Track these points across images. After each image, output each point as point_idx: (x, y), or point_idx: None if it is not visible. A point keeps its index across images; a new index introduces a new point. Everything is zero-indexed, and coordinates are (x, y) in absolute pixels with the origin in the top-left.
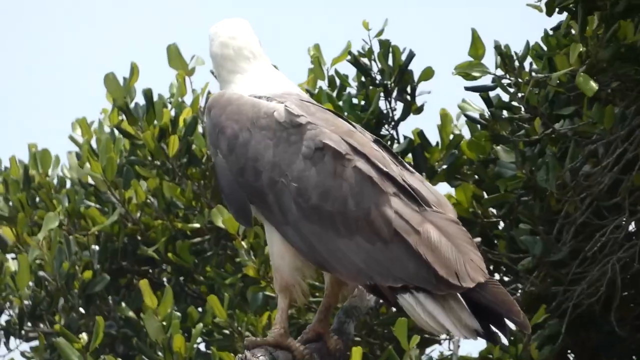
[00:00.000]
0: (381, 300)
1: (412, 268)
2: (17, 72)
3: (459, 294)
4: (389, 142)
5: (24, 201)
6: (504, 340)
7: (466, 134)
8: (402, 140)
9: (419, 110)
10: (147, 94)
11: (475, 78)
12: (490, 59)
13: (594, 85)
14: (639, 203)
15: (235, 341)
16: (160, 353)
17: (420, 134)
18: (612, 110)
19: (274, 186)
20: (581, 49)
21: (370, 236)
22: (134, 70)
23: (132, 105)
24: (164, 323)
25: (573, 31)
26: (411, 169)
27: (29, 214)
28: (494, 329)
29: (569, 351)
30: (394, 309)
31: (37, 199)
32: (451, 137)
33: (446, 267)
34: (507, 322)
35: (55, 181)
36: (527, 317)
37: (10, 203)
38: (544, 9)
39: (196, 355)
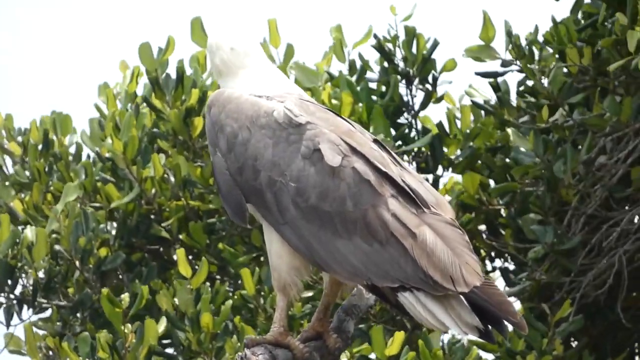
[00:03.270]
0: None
1: (409, 270)
2: (47, 35)
3: None
4: (407, 130)
5: (42, 169)
6: (503, 338)
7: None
8: (420, 129)
9: (439, 99)
10: (179, 70)
11: (484, 61)
12: (500, 44)
13: None
14: None
15: (257, 316)
16: (187, 324)
17: (439, 125)
18: (630, 103)
19: (273, 185)
20: (638, 36)
21: (368, 237)
22: (169, 43)
23: (162, 76)
24: (200, 293)
25: (582, 21)
26: (410, 169)
27: (45, 182)
28: (491, 328)
29: (571, 339)
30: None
31: (54, 167)
32: (468, 130)
33: (441, 271)
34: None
35: (72, 149)
36: (539, 306)
37: (27, 172)
38: None
39: (223, 332)
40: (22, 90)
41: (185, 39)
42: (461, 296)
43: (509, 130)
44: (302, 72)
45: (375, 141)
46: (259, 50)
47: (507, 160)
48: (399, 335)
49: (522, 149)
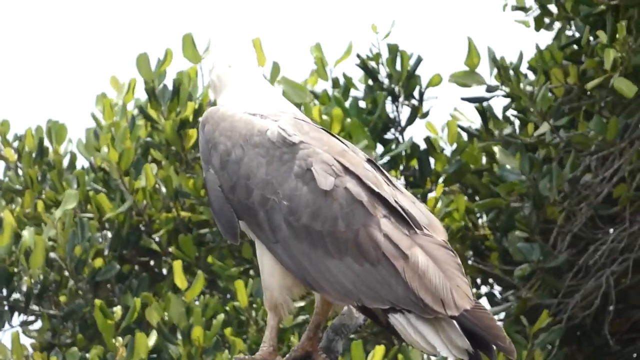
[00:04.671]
0: (368, 320)
1: (400, 291)
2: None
3: None
4: (394, 146)
5: (34, 177)
6: None
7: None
8: (406, 142)
9: (425, 115)
10: (176, 82)
11: (469, 86)
12: (485, 69)
13: (633, 87)
14: (638, 213)
15: (249, 328)
16: (179, 337)
17: (426, 140)
18: (616, 123)
19: (265, 204)
20: (615, 55)
21: (359, 258)
22: (167, 55)
23: (160, 87)
24: (190, 307)
25: (575, 45)
26: (403, 189)
27: (38, 190)
28: (480, 352)
29: None
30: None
31: (47, 176)
32: (454, 146)
33: (432, 293)
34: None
35: (66, 159)
36: (524, 320)
37: (21, 178)
38: (532, 23)
39: (214, 346)
40: (19, 98)
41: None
42: (452, 319)
43: (496, 148)
44: (290, 87)
45: (369, 161)
46: (255, 68)
47: (493, 182)
48: (379, 350)
49: (508, 167)
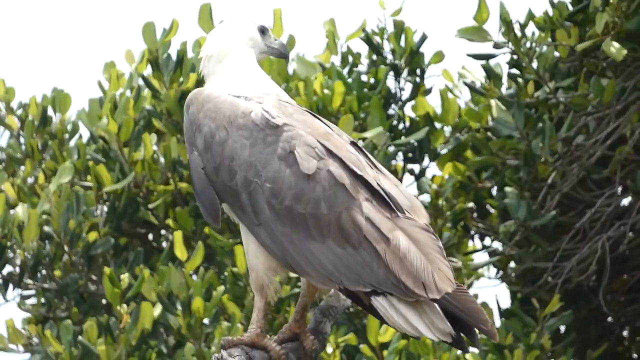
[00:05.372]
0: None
1: (382, 274)
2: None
3: None
4: (395, 122)
5: (35, 147)
6: (474, 348)
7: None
8: (407, 121)
9: (428, 92)
10: (181, 52)
11: (476, 41)
12: (493, 26)
13: (623, 50)
14: (629, 177)
15: (246, 295)
16: (179, 308)
17: (426, 116)
18: (613, 85)
19: (248, 186)
20: (607, 19)
21: (341, 241)
22: (173, 25)
23: (164, 56)
24: (193, 277)
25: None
26: (386, 172)
27: (38, 160)
28: (463, 335)
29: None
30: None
31: (48, 145)
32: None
33: (413, 276)
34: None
35: (68, 127)
36: (535, 302)
37: (23, 147)
38: None
39: (214, 318)
40: (27, 67)
41: (193, 25)
42: (434, 302)
43: (492, 102)
44: (302, 65)
45: (353, 143)
46: (243, 49)
47: (488, 138)
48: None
49: (502, 119)
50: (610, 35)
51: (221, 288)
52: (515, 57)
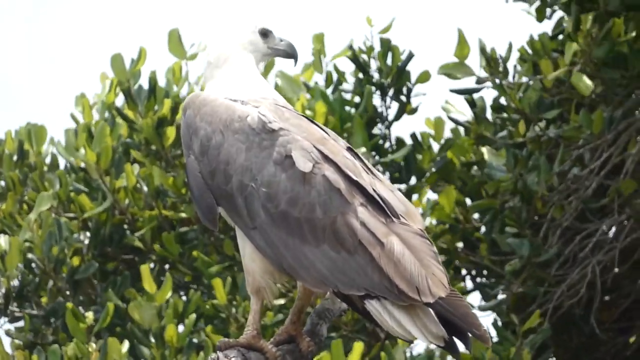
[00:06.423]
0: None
1: (376, 279)
2: (21, 48)
3: None
4: (381, 141)
5: (16, 180)
6: (465, 350)
7: (447, 134)
8: (393, 139)
9: (413, 111)
10: (152, 80)
11: (459, 78)
12: (475, 61)
13: (588, 83)
14: (626, 206)
15: (229, 325)
16: (152, 339)
17: (413, 136)
18: (601, 115)
19: (244, 190)
20: (575, 48)
21: (336, 245)
22: (141, 54)
23: (135, 87)
24: (163, 309)
25: (560, 36)
26: (382, 177)
27: (20, 193)
28: (456, 340)
29: (549, 357)
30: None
31: (29, 178)
32: (442, 141)
33: (407, 281)
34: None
35: (48, 159)
36: (514, 318)
37: (2, 182)
38: (535, 14)
39: (188, 346)
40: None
41: (160, 51)
42: (428, 307)
43: (484, 149)
44: (286, 82)
45: (349, 149)
46: (241, 54)
47: (482, 180)
48: (358, 347)
49: (495, 165)
50: (580, 64)
51: (193, 316)
52: (498, 93)
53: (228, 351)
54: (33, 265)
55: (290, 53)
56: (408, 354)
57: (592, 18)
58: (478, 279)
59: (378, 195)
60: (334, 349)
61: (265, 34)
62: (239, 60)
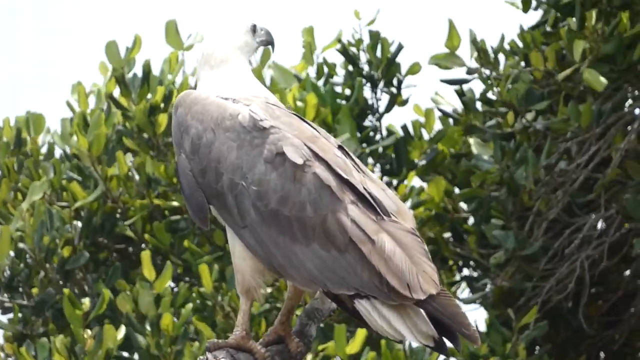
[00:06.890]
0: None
1: (365, 277)
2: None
3: None
4: (371, 133)
5: (11, 167)
6: (456, 349)
7: (437, 127)
8: (384, 132)
9: (404, 102)
10: (146, 67)
11: (450, 68)
12: (466, 51)
13: (602, 79)
14: (612, 200)
15: (215, 314)
16: (148, 327)
17: (403, 128)
18: (589, 108)
19: (234, 188)
20: (584, 46)
21: (326, 244)
22: (136, 41)
23: (129, 75)
24: (161, 296)
25: (548, 28)
26: (373, 175)
27: (14, 180)
28: (445, 339)
29: (536, 346)
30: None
31: (24, 166)
32: (433, 133)
33: (398, 278)
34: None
35: (44, 149)
36: (501, 313)
37: None
38: (520, 5)
39: (183, 335)
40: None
41: (158, 42)
42: (418, 306)
43: (471, 140)
44: (279, 73)
45: (340, 147)
46: (234, 54)
47: (470, 170)
48: (361, 333)
49: (484, 157)
50: (588, 60)
51: (190, 305)
52: (489, 82)
53: (217, 352)
54: (26, 255)
55: (268, 40)
56: (407, 342)
57: (595, 15)
58: (465, 271)
59: (369, 193)
60: (337, 335)
61: (254, 29)
62: (233, 61)
